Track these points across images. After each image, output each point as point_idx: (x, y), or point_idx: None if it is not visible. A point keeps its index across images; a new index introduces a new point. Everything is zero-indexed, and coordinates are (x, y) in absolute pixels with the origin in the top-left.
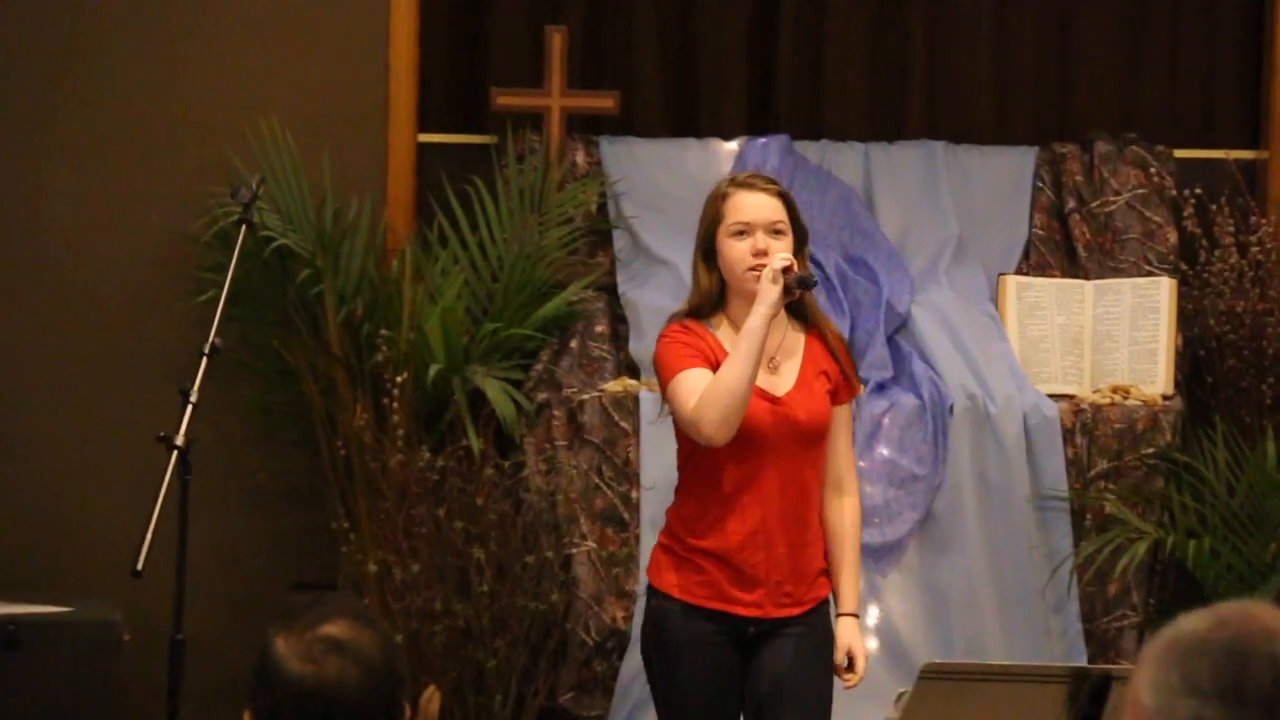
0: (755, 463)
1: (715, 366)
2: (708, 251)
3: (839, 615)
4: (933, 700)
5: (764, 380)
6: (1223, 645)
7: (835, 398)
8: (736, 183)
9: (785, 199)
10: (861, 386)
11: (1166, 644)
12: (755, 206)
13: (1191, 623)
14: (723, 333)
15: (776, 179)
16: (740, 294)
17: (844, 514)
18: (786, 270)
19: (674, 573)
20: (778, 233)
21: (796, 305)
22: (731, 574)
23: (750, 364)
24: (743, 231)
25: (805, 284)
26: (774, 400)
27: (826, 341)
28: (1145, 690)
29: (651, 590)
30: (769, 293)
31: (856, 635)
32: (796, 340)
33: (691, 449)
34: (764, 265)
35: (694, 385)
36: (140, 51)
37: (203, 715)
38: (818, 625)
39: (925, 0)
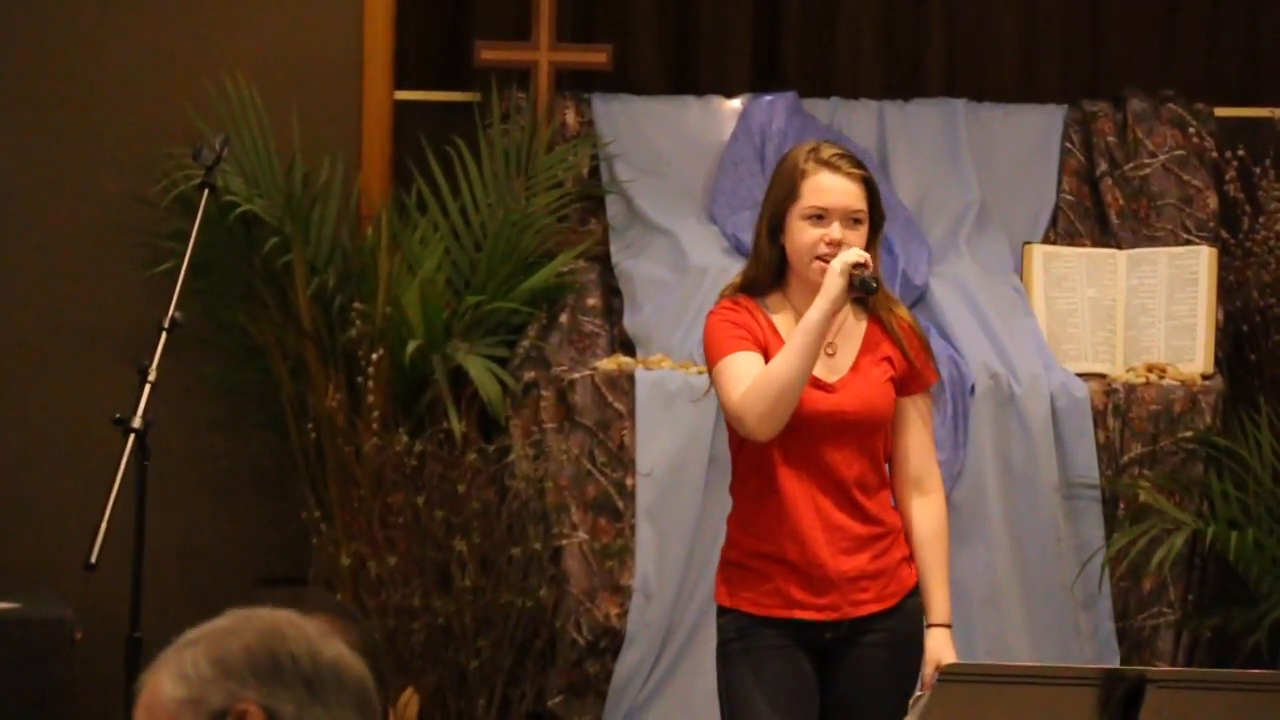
0: (809, 453)
1: (765, 350)
2: (774, 225)
3: (929, 626)
4: (953, 704)
5: (820, 366)
6: (256, 630)
7: (904, 388)
8: (820, 159)
9: (869, 185)
10: (936, 375)
11: (186, 640)
12: (836, 191)
13: (210, 623)
14: (780, 318)
15: (858, 156)
16: (803, 279)
17: (927, 515)
18: (858, 266)
19: (738, 585)
20: (855, 221)
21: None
22: (799, 577)
23: (806, 359)
24: (819, 216)
25: (865, 288)
26: (827, 387)
27: (890, 329)
28: (169, 684)
29: (719, 610)
30: (833, 286)
31: (948, 648)
32: (857, 325)
33: (741, 439)
34: (834, 256)
35: (741, 371)
36: (92, 3)
37: None
38: (905, 625)
39: None
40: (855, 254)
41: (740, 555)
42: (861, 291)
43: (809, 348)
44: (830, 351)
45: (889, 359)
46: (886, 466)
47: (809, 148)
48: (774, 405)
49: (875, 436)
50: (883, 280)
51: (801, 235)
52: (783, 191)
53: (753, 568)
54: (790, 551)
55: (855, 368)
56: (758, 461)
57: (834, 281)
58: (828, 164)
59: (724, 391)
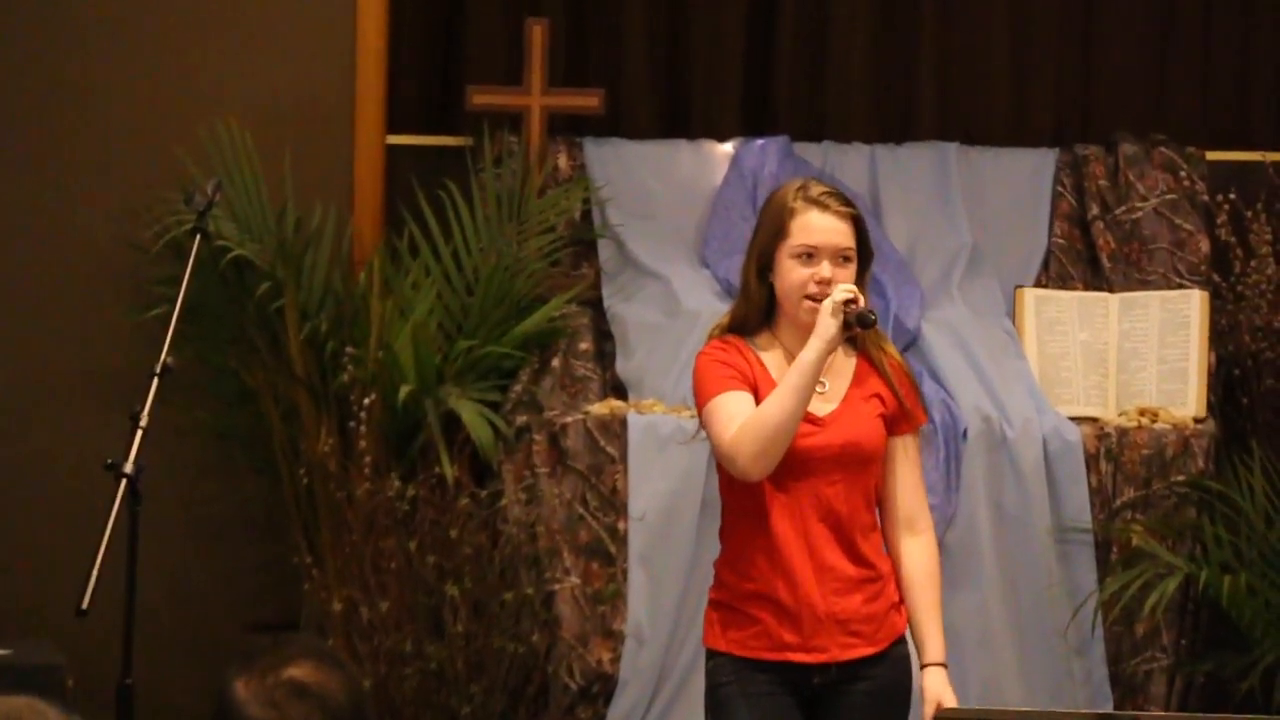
0: (798, 489)
1: (755, 389)
2: (763, 263)
3: (925, 666)
4: None
5: (810, 403)
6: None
7: (893, 427)
8: (809, 198)
9: (857, 223)
10: (925, 416)
11: None
12: (825, 230)
13: None
14: (769, 356)
15: (847, 195)
16: (792, 318)
17: (918, 556)
18: (849, 304)
19: (726, 628)
20: (845, 259)
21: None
22: (789, 619)
23: (800, 399)
24: (807, 255)
25: (864, 322)
26: (817, 422)
27: (880, 366)
28: None
29: (707, 654)
30: (827, 326)
31: (947, 688)
32: (847, 361)
33: (731, 478)
34: (824, 295)
35: (732, 411)
36: (85, 44)
37: None
38: (892, 673)
39: None
40: (843, 291)
41: (729, 596)
42: (860, 326)
43: (803, 388)
44: (821, 389)
45: (879, 395)
46: (874, 508)
47: (797, 186)
48: (767, 446)
49: (866, 472)
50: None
51: (791, 274)
52: (771, 230)
53: (741, 609)
54: (781, 591)
55: (845, 403)
56: (749, 500)
57: (827, 322)
58: (816, 202)
59: (715, 432)
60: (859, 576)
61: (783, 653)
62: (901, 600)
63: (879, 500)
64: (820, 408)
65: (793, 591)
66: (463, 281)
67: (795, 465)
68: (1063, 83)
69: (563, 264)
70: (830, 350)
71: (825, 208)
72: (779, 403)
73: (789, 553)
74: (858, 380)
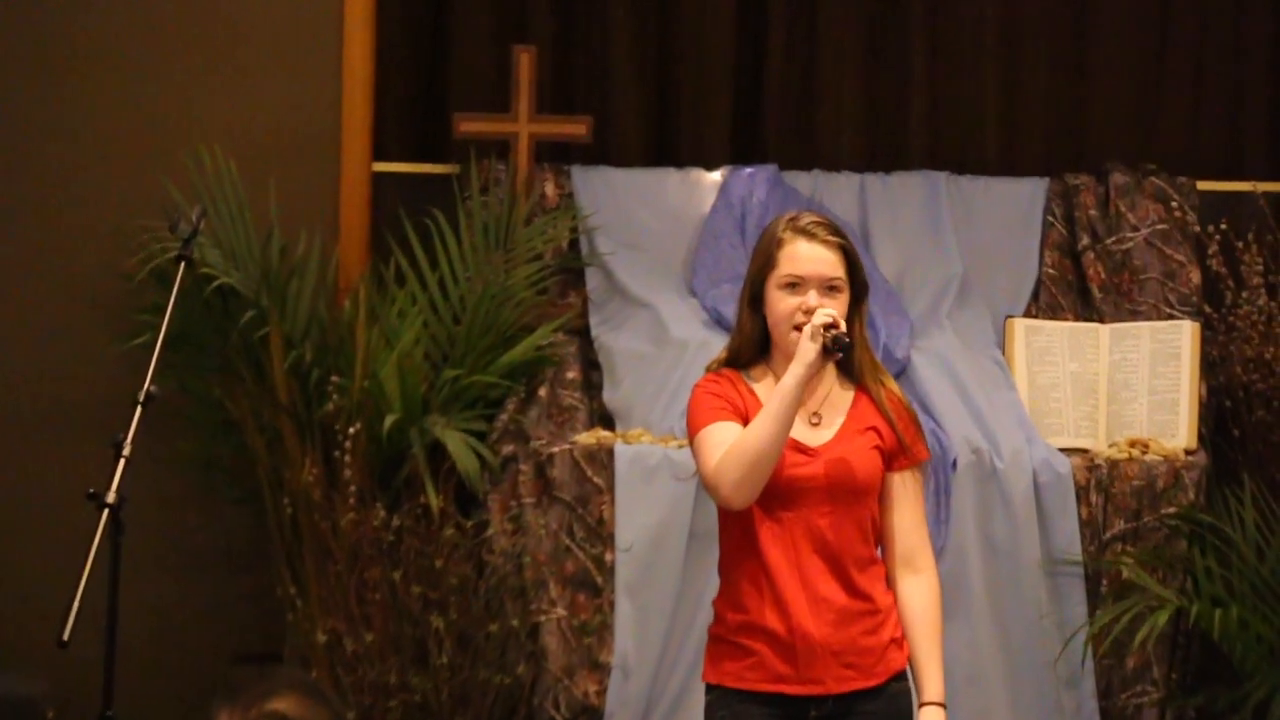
0: (790, 520)
1: (746, 419)
2: (755, 296)
3: (921, 705)
4: None
5: (803, 433)
6: None
7: (892, 463)
8: (797, 228)
9: (846, 253)
10: (927, 452)
11: None
12: (811, 260)
13: None
14: (762, 387)
15: (838, 226)
16: (783, 349)
17: (918, 593)
18: (829, 328)
19: (722, 660)
20: (832, 289)
21: (846, 361)
22: (783, 650)
23: (779, 425)
24: (794, 285)
25: (839, 345)
26: (809, 452)
27: (878, 401)
28: None
29: (706, 689)
30: (806, 351)
31: None
32: (844, 395)
33: (725, 516)
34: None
35: (719, 440)
36: (69, 71)
37: None
38: (889, 709)
39: (925, 17)
40: (822, 315)
41: (725, 630)
42: (836, 350)
43: (783, 414)
44: (815, 421)
45: (875, 429)
46: (873, 541)
47: (788, 217)
48: (748, 472)
49: (860, 506)
50: (867, 345)
51: (779, 305)
52: (761, 261)
53: (737, 642)
54: (774, 622)
55: (839, 435)
56: (742, 531)
57: (806, 347)
58: (803, 231)
59: (701, 460)
60: (855, 609)
61: (778, 684)
62: (903, 636)
63: (880, 536)
64: (813, 438)
65: (786, 622)
66: (449, 310)
67: (786, 495)
68: (1053, 112)
69: (550, 292)
70: (810, 375)
71: (812, 237)
72: (759, 429)
73: (782, 583)
74: (854, 413)
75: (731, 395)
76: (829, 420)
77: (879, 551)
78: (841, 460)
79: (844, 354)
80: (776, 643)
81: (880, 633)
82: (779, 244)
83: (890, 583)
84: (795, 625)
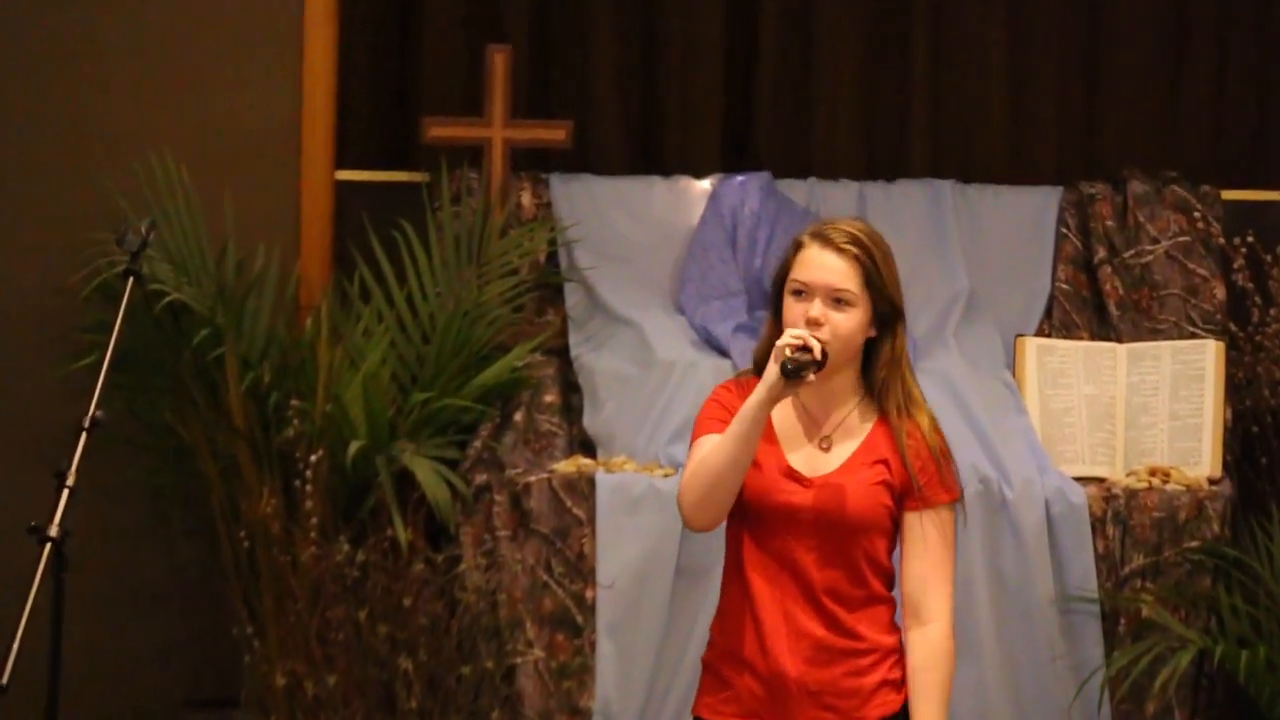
0: (778, 549)
1: None
2: (776, 300)
3: None
4: None
5: (806, 460)
6: None
7: (905, 502)
8: (815, 231)
9: (862, 263)
10: (949, 495)
11: None
12: (820, 267)
13: None
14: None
15: (864, 236)
16: None
17: (919, 646)
18: (800, 350)
19: (703, 690)
20: (840, 302)
21: (878, 387)
22: (760, 685)
23: (737, 447)
24: (800, 291)
25: (784, 369)
26: (805, 481)
27: (897, 434)
28: None
29: None
30: (769, 371)
31: None
32: (862, 425)
33: (731, 525)
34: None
35: (701, 455)
36: (4, 74)
37: None
38: None
39: (928, 11)
40: (790, 335)
41: (712, 656)
42: (793, 376)
43: (743, 435)
44: (825, 447)
45: (886, 463)
46: (876, 580)
47: (818, 222)
48: (707, 494)
49: (853, 543)
50: (906, 374)
51: (787, 312)
52: (781, 265)
53: (718, 671)
54: (753, 654)
55: (845, 465)
56: (735, 553)
57: (770, 367)
58: (819, 236)
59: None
60: (839, 647)
61: None
62: (902, 679)
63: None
64: (816, 466)
65: (764, 656)
66: (418, 329)
67: (774, 523)
68: (1066, 115)
69: (526, 310)
70: (772, 398)
71: (827, 243)
72: (718, 449)
73: (764, 614)
74: (868, 442)
75: (737, 405)
76: (840, 448)
77: (880, 585)
78: (835, 492)
79: (795, 378)
80: (755, 677)
81: (870, 674)
82: (796, 248)
83: (904, 628)
84: (773, 660)
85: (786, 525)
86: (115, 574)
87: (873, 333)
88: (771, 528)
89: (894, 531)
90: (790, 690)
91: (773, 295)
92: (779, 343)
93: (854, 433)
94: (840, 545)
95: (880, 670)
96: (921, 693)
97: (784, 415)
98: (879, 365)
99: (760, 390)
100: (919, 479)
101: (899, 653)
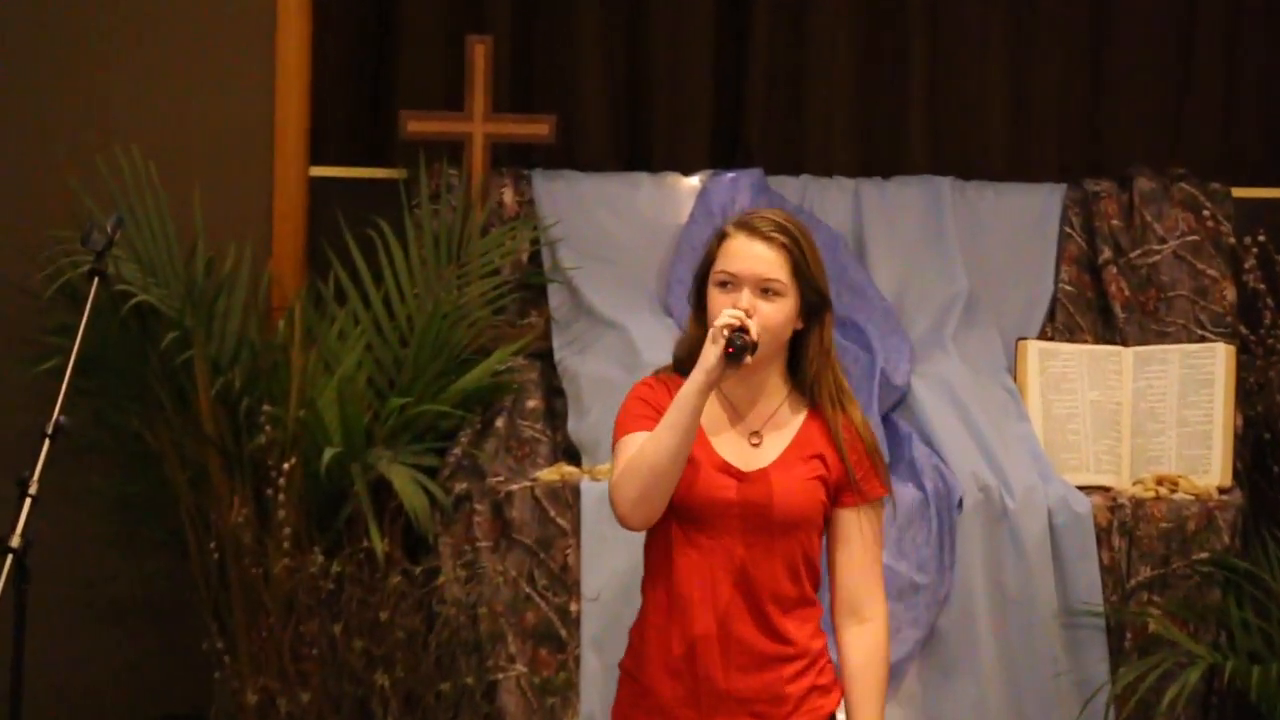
0: (713, 550)
1: None
2: (698, 294)
3: None
4: None
5: (737, 454)
6: None
7: (839, 497)
8: (739, 221)
9: (790, 252)
10: (885, 489)
11: None
12: (746, 256)
13: None
14: None
15: (790, 225)
16: None
17: (861, 645)
18: (738, 330)
19: (621, 701)
20: (768, 292)
21: (808, 380)
22: (683, 691)
23: (677, 437)
24: (726, 283)
25: (740, 349)
26: (738, 475)
27: (832, 427)
28: None
29: None
30: (708, 354)
31: None
32: (794, 417)
33: (649, 532)
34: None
35: (631, 452)
36: None
37: None
38: None
39: (926, 2)
40: (728, 315)
41: (632, 663)
42: (738, 355)
43: (680, 424)
44: (755, 442)
45: (821, 458)
46: (809, 581)
47: (740, 213)
48: (645, 489)
49: (788, 539)
50: (834, 365)
51: (711, 304)
52: (705, 257)
53: (639, 679)
54: (680, 660)
55: (778, 461)
56: (662, 553)
57: (708, 350)
58: (744, 226)
59: (612, 473)
60: (772, 653)
61: None
62: (834, 683)
63: (830, 577)
64: (748, 460)
65: (692, 663)
66: (395, 331)
67: (707, 520)
68: (1070, 111)
69: (508, 312)
70: (712, 381)
71: (753, 232)
72: (655, 442)
73: (694, 617)
74: (801, 437)
75: (663, 402)
76: (771, 442)
77: (810, 589)
78: (765, 487)
79: (735, 362)
80: (680, 684)
81: (800, 679)
82: (720, 238)
83: (835, 629)
84: (701, 668)
85: (718, 522)
86: (80, 586)
87: (799, 325)
88: (703, 525)
89: (824, 529)
90: (719, 697)
91: (694, 289)
92: (716, 323)
93: (785, 426)
94: (774, 542)
95: (809, 676)
96: (861, 694)
97: (707, 409)
98: (810, 357)
99: (698, 375)
100: (855, 473)
101: (825, 656)
